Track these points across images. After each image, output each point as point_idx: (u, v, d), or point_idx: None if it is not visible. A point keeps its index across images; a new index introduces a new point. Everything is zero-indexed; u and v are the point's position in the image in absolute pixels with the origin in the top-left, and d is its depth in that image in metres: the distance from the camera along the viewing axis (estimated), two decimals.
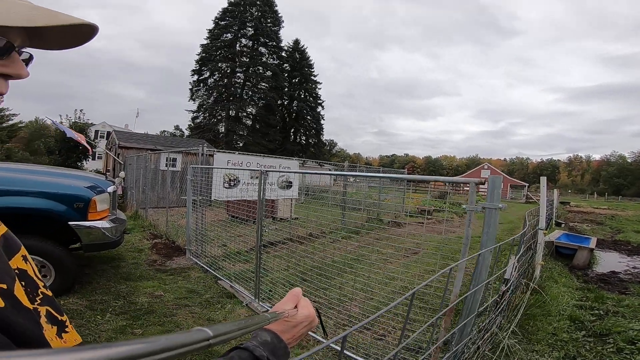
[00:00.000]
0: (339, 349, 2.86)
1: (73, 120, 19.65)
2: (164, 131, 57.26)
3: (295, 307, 0.72)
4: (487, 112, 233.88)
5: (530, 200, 32.08)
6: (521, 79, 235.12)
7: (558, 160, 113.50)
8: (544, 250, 5.49)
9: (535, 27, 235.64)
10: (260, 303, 3.60)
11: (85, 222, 3.54)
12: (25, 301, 0.53)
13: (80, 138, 10.15)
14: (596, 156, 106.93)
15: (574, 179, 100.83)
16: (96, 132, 36.11)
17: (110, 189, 4.18)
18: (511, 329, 2.91)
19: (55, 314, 0.59)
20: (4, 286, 0.50)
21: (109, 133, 27.49)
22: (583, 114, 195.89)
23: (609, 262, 7.38)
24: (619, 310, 4.11)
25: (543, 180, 5.55)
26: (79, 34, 0.57)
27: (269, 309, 3.53)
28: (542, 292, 4.37)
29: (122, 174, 11.68)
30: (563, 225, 12.84)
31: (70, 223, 3.46)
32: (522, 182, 50.50)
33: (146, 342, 0.26)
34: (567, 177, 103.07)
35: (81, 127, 18.13)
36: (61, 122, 15.67)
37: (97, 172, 10.11)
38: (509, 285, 2.66)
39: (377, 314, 0.92)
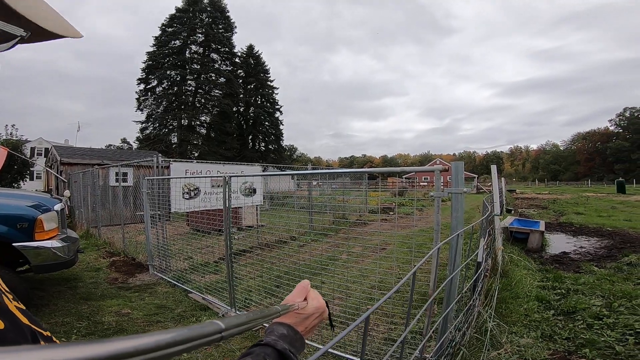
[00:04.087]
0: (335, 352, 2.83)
1: (4, 137, 17.65)
2: (110, 145, 53.69)
3: (305, 299, 0.72)
4: (433, 110, 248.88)
5: (481, 190, 34.24)
6: (461, 76, 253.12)
7: (501, 151, 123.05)
8: (502, 235, 5.83)
9: (469, 25, 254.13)
10: (238, 312, 3.46)
11: (33, 243, 3.33)
12: (22, 318, 0.46)
13: None
14: (533, 146, 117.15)
15: (516, 168, 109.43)
16: (32, 149, 32.92)
17: (58, 207, 3.88)
18: (488, 312, 3.04)
19: (41, 330, 0.50)
20: None
21: (47, 149, 25.15)
22: (518, 107, 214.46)
23: (558, 243, 7.96)
24: (577, 288, 4.40)
25: (493, 168, 5.86)
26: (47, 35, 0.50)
27: None
28: (507, 276, 4.63)
29: (66, 192, 10.73)
30: (513, 211, 13.81)
31: (14, 244, 3.23)
32: (472, 174, 53.87)
33: (158, 335, 0.25)
34: (511, 166, 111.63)
35: (14, 145, 16.29)
36: None
37: (40, 192, 9.19)
38: (482, 268, 2.78)
39: (390, 293, 0.90)
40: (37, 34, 0.47)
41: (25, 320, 0.46)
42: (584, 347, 2.91)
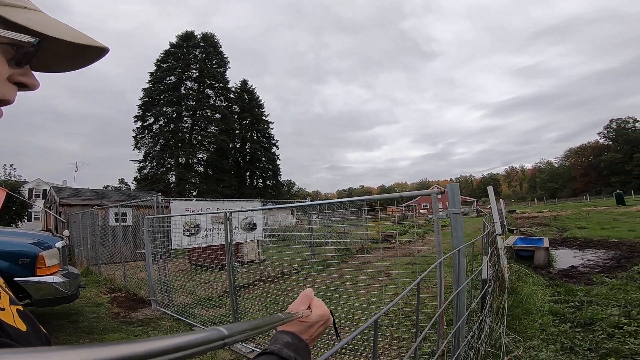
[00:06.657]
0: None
1: (2, 178, 17.39)
2: (108, 186, 53.36)
3: (309, 307, 0.71)
4: (426, 136, 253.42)
5: (481, 214, 34.12)
6: (449, 100, 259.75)
7: (497, 173, 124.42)
8: (506, 254, 5.83)
9: (450, 48, 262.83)
10: (244, 344, 3.41)
11: (34, 278, 3.48)
12: (39, 326, 0.50)
13: None
14: (528, 165, 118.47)
15: (514, 189, 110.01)
16: (30, 190, 32.58)
17: (59, 244, 4.03)
18: (502, 328, 3.00)
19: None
20: (21, 307, 0.48)
21: (45, 191, 25.03)
22: (508, 127, 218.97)
23: (565, 258, 7.94)
24: (591, 299, 4.35)
25: (490, 189, 5.99)
26: (85, 57, 0.52)
27: (253, 349, 3.34)
28: (516, 293, 4.59)
29: (65, 232, 10.70)
30: (515, 231, 13.78)
31: (16, 279, 3.36)
32: (470, 198, 54.02)
33: (161, 340, 0.25)
34: (508, 187, 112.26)
35: (13, 185, 16.03)
36: None
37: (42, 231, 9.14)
38: (487, 284, 2.79)
39: (400, 295, 0.94)
40: (64, 52, 0.48)
41: (42, 329, 0.50)
42: (608, 357, 2.86)
